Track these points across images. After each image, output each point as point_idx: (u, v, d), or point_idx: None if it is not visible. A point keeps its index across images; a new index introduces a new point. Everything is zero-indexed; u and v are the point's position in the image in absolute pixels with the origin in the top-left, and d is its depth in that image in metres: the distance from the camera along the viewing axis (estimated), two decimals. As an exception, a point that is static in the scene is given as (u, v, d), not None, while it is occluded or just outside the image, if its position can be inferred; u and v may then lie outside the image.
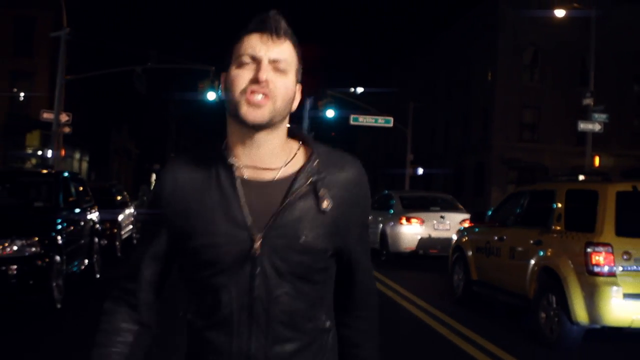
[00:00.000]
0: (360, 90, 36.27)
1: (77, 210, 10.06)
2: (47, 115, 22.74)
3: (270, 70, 1.50)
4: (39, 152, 38.07)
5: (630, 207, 6.77)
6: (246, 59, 1.51)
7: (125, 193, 17.40)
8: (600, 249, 6.44)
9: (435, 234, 13.96)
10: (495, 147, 37.02)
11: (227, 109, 1.55)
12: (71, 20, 25.96)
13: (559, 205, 7.48)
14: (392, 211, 14.88)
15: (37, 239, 7.86)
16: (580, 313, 6.53)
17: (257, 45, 1.51)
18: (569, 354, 6.78)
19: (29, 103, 38.28)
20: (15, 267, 7.60)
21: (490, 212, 9.82)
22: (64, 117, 22.79)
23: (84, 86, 28.28)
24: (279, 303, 1.52)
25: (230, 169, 1.54)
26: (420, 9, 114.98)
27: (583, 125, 22.94)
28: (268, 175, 1.56)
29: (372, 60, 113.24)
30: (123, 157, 58.94)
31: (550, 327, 6.98)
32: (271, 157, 1.57)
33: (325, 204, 1.53)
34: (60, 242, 8.41)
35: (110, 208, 13.77)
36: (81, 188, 11.08)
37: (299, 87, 1.59)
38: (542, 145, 36.48)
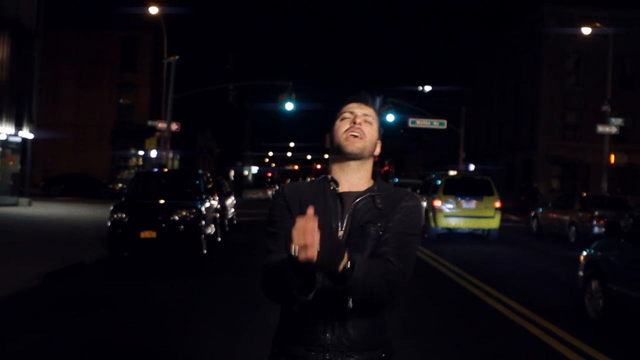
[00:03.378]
0: (428, 88, 40.40)
1: (208, 195, 15.28)
2: (161, 125, 27.52)
3: (362, 121, 2.17)
4: (140, 152, 44.22)
5: (451, 184, 18.47)
6: (346, 115, 2.19)
7: (227, 184, 22.60)
8: (437, 198, 18.14)
9: None
10: (541, 145, 40.32)
11: (332, 150, 2.21)
12: (169, 40, 30.99)
13: (434, 184, 19.08)
14: None
15: (194, 210, 13.09)
16: (432, 224, 18.28)
17: (353, 106, 2.21)
18: (435, 242, 17.47)
19: (132, 111, 44.37)
20: (182, 226, 12.86)
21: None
22: (174, 126, 28.02)
23: (179, 97, 32.85)
24: None
25: (333, 188, 2.16)
26: (478, 20, 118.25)
27: (601, 129, 26.94)
28: (355, 193, 2.16)
29: (435, 67, 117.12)
30: (206, 155, 64.27)
31: (426, 231, 18.10)
32: (359, 181, 2.19)
33: (380, 205, 2.11)
34: (204, 213, 13.63)
35: (220, 196, 18.95)
36: (207, 180, 16.37)
37: (379, 143, 2.25)
38: (584, 143, 39.37)
